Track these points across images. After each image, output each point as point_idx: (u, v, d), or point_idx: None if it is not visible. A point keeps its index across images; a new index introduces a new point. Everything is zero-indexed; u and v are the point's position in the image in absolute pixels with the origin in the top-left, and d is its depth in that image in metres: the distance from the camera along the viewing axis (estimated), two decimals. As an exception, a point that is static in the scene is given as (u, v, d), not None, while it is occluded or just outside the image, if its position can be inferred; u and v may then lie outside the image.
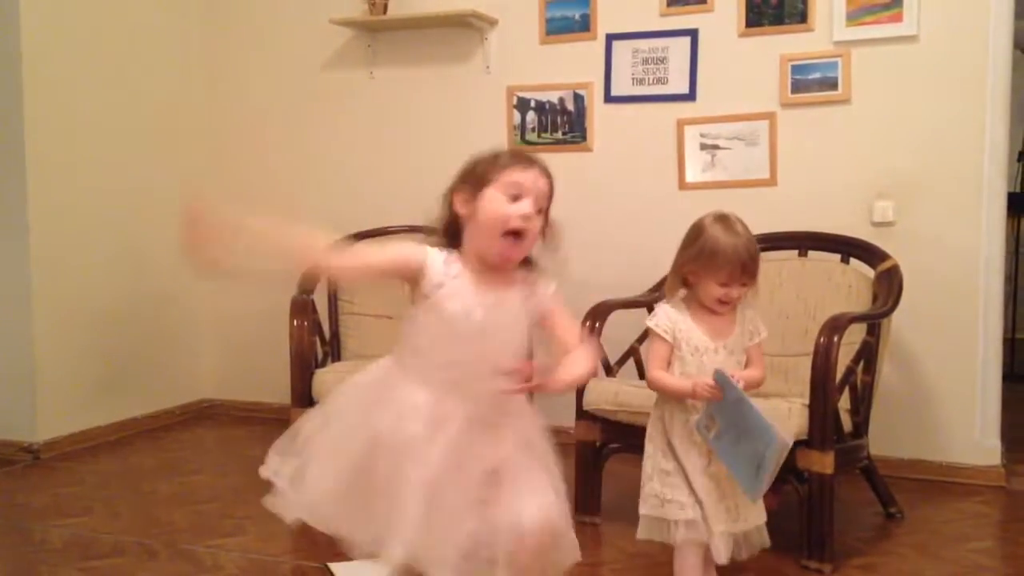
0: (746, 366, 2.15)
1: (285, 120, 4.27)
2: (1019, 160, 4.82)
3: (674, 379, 2.12)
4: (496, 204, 1.71)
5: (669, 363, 2.14)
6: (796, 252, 3.24)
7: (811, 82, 3.44)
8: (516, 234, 1.70)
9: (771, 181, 3.51)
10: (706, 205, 3.61)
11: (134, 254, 4.11)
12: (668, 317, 2.14)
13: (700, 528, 2.08)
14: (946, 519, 2.99)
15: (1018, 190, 4.84)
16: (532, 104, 3.85)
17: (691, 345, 2.12)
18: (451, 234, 1.78)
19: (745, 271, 2.07)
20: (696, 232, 2.13)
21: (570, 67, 3.78)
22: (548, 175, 1.77)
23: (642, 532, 2.19)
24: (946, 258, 3.29)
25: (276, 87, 4.28)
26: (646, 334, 3.29)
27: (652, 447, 2.19)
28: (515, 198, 1.71)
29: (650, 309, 3.31)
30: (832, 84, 3.40)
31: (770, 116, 3.50)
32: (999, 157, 3.26)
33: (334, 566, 2.56)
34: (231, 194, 4.39)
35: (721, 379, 1.99)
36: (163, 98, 4.24)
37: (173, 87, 4.29)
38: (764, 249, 3.26)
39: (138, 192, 4.12)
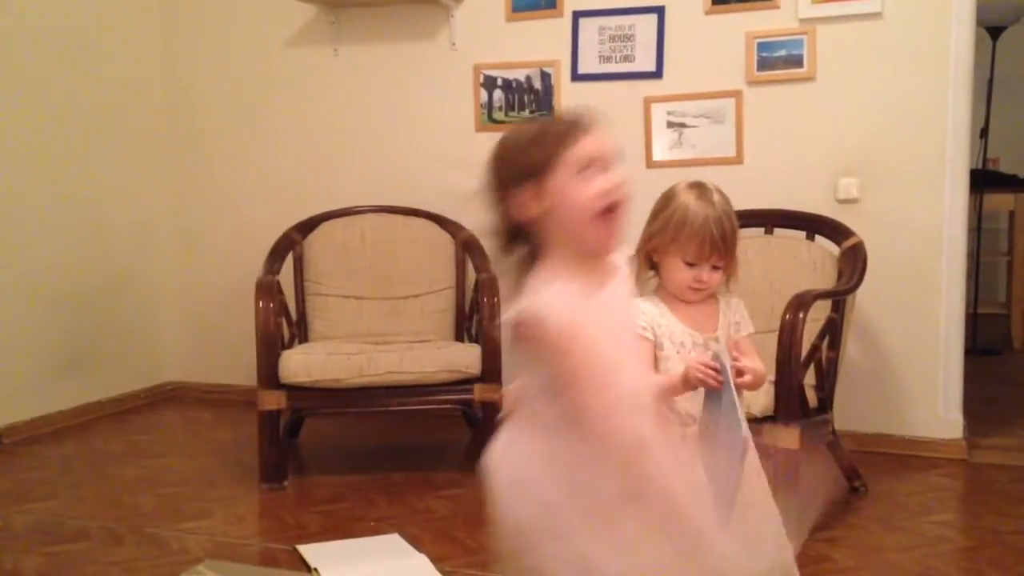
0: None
1: (247, 99, 4.20)
2: (981, 137, 4.87)
3: (659, 377, 1.74)
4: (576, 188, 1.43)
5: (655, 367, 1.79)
6: (762, 229, 3.26)
7: (777, 59, 3.44)
8: (610, 209, 1.44)
9: (737, 159, 3.51)
10: (674, 183, 3.65)
11: (95, 234, 4.04)
12: (644, 312, 1.78)
13: None
14: (909, 492, 3.03)
15: (980, 167, 4.90)
16: (499, 82, 3.82)
17: (675, 342, 1.78)
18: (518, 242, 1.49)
19: (716, 249, 1.73)
20: (665, 200, 1.81)
21: (537, 44, 3.75)
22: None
23: None
24: (909, 234, 3.32)
25: (238, 65, 4.21)
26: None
27: None
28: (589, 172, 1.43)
29: (618, 287, 3.33)
30: (797, 61, 3.41)
31: (736, 94, 3.50)
32: (961, 134, 3.29)
33: (303, 548, 2.55)
34: (191, 175, 4.34)
35: (719, 357, 1.63)
36: (120, 76, 4.16)
37: (130, 65, 4.21)
38: (731, 227, 3.32)
39: (97, 171, 4.05)
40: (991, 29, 4.86)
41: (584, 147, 1.44)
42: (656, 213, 1.81)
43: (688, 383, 1.67)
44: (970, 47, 3.27)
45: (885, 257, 3.20)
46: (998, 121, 5.08)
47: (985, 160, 5.08)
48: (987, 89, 4.82)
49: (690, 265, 1.75)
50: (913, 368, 3.38)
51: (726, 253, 1.75)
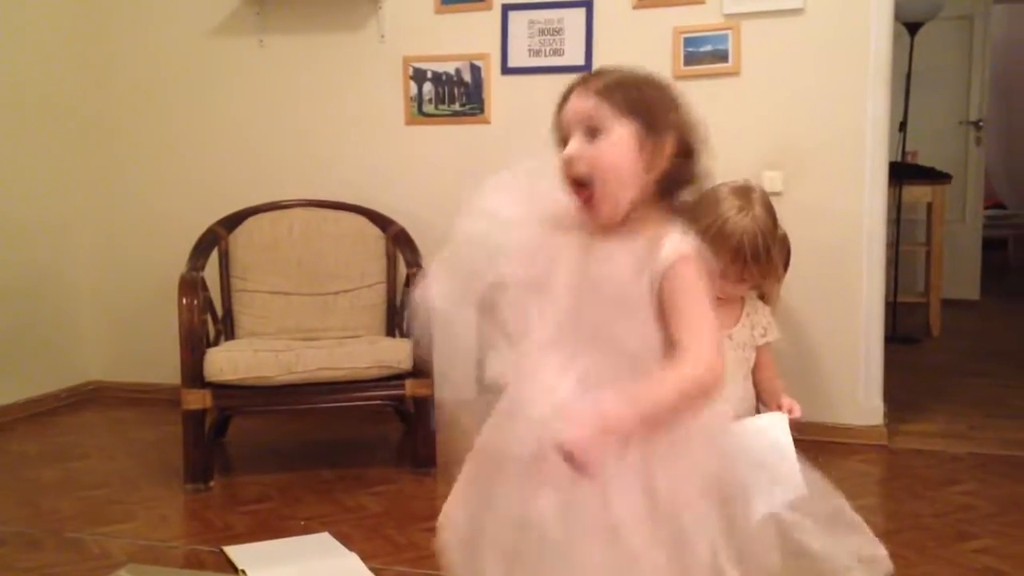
0: (755, 370, 1.84)
1: (169, 90, 4.10)
2: (900, 131, 5.00)
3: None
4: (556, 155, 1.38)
5: None
6: (690, 222, 3.30)
7: (703, 54, 3.48)
8: (576, 184, 1.36)
9: (666, 152, 3.54)
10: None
11: (9, 231, 3.90)
12: None
13: None
14: (832, 478, 3.07)
15: (899, 159, 5.03)
16: (429, 75, 3.79)
17: None
18: None
19: (746, 266, 1.71)
20: (708, 203, 1.76)
21: (466, 37, 3.73)
22: (594, 82, 1.37)
23: None
24: (831, 226, 3.40)
25: (159, 56, 4.10)
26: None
27: None
28: (564, 143, 1.37)
29: (548, 280, 3.34)
30: (723, 56, 3.45)
31: (664, 88, 3.53)
32: (881, 127, 3.37)
33: (230, 549, 2.50)
34: (111, 169, 4.21)
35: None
36: (35, 67, 4.01)
37: (45, 56, 4.07)
38: (659, 219, 3.35)
39: (9, 166, 3.91)
40: (909, 25, 4.99)
41: (560, 118, 1.40)
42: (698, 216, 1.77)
43: None
44: (889, 42, 3.35)
45: (808, 248, 3.26)
46: (916, 115, 5.22)
47: (904, 153, 5.22)
48: (905, 84, 4.96)
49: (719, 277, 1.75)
50: (835, 356, 3.46)
51: (759, 269, 1.74)
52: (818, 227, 3.37)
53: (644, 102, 1.37)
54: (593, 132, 1.35)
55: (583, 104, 1.36)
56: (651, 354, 1.32)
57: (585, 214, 1.36)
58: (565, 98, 1.40)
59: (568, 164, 1.35)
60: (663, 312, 1.32)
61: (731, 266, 1.73)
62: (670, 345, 1.31)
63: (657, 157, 1.35)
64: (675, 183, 1.39)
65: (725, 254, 1.72)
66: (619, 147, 1.34)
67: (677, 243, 1.33)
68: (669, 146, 1.36)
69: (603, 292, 1.34)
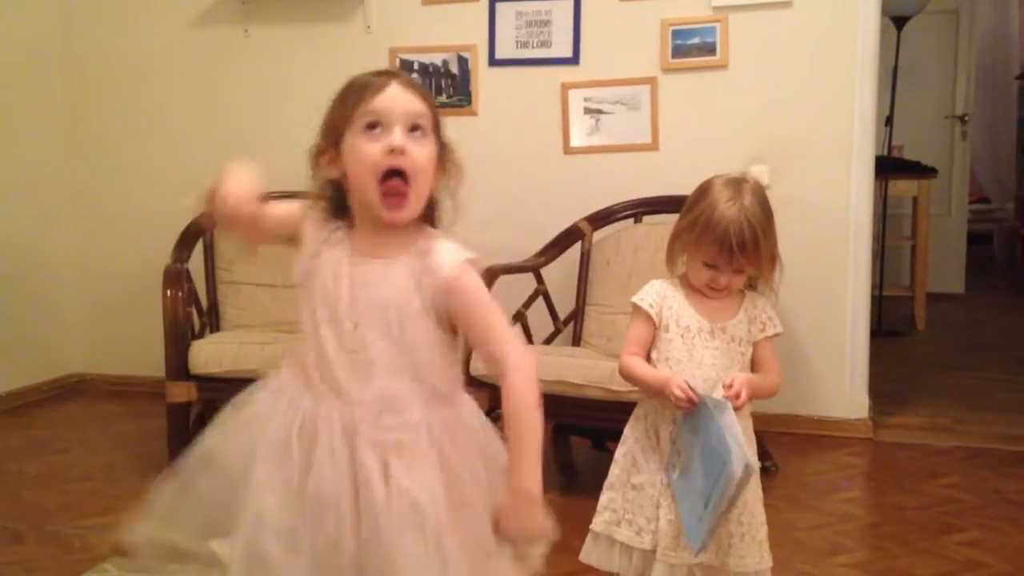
0: (754, 368, 1.81)
1: (153, 81, 4.06)
2: (886, 125, 5.01)
3: (647, 368, 1.77)
4: (359, 150, 1.36)
5: (649, 349, 1.81)
6: (677, 216, 3.29)
7: (691, 47, 3.47)
8: (395, 174, 1.35)
9: (653, 145, 3.54)
10: (591, 169, 3.67)
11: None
12: (656, 291, 1.81)
13: (650, 564, 1.75)
14: (817, 471, 3.12)
15: (885, 154, 5.04)
16: (416, 66, 3.77)
17: (681, 325, 1.77)
18: (336, 203, 1.44)
19: (735, 255, 1.70)
20: (699, 194, 1.79)
21: (454, 28, 3.71)
22: (415, 86, 1.41)
23: (586, 554, 1.82)
24: (817, 219, 3.40)
25: (143, 46, 4.06)
26: (535, 297, 3.33)
27: (624, 451, 1.83)
28: (374, 131, 1.36)
29: (536, 274, 3.33)
30: (711, 49, 3.45)
31: (651, 81, 3.52)
32: (867, 121, 3.38)
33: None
34: (94, 159, 4.18)
35: (704, 395, 1.66)
36: (17, 57, 3.97)
37: (28, 45, 4.02)
38: (646, 213, 3.34)
39: (-6, 156, 3.87)
40: (896, 19, 5.00)
41: (374, 104, 1.38)
42: (689, 207, 1.80)
43: (663, 392, 1.71)
44: (876, 37, 3.36)
45: (794, 241, 3.21)
46: (902, 109, 5.23)
47: (890, 147, 5.23)
48: (892, 78, 4.97)
49: (710, 267, 1.75)
50: (821, 349, 3.47)
51: (747, 259, 1.72)
52: (804, 221, 3.37)
53: (440, 122, 1.44)
54: (415, 132, 1.38)
55: (416, 104, 1.39)
56: (436, 361, 1.39)
57: (388, 208, 1.37)
58: (376, 85, 1.40)
59: (398, 153, 1.35)
60: (448, 319, 1.38)
61: (719, 256, 1.72)
62: (452, 347, 1.41)
63: (437, 174, 1.44)
64: (434, 199, 1.46)
65: (712, 243, 1.71)
66: (432, 156, 1.40)
67: (452, 254, 1.38)
68: (443, 167, 1.44)
69: (384, 311, 1.37)
